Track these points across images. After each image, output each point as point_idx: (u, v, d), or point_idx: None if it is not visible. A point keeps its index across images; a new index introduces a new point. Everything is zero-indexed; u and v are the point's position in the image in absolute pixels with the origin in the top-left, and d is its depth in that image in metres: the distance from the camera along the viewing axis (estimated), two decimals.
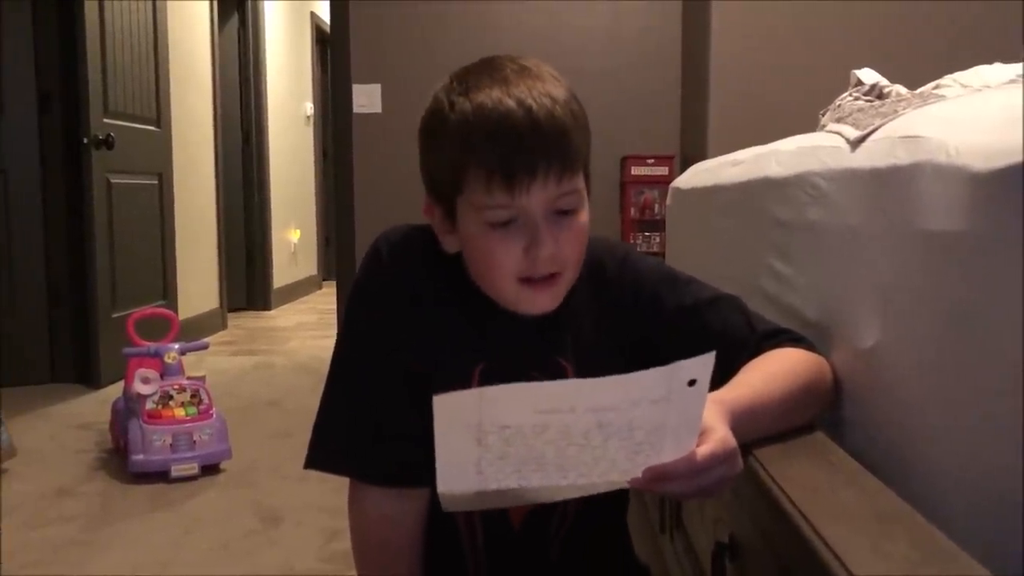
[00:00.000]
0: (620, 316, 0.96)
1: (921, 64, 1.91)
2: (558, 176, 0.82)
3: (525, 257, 0.84)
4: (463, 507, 0.74)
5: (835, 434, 0.88)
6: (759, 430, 0.81)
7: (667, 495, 0.71)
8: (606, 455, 0.67)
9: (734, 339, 0.92)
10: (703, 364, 0.63)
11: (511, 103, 0.81)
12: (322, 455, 0.93)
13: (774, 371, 0.86)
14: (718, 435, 0.70)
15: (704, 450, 0.68)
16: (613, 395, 0.63)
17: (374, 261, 0.92)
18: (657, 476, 0.68)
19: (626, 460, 0.67)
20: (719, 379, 0.74)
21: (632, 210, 3.80)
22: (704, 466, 0.68)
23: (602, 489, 0.71)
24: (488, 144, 0.81)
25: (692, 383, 0.64)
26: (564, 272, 0.87)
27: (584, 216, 0.87)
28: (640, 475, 0.68)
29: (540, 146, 0.81)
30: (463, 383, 0.87)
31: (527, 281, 0.85)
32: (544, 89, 0.83)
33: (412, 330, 0.91)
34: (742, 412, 0.76)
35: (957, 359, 0.67)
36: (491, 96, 0.82)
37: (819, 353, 0.91)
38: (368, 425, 0.91)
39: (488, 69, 0.85)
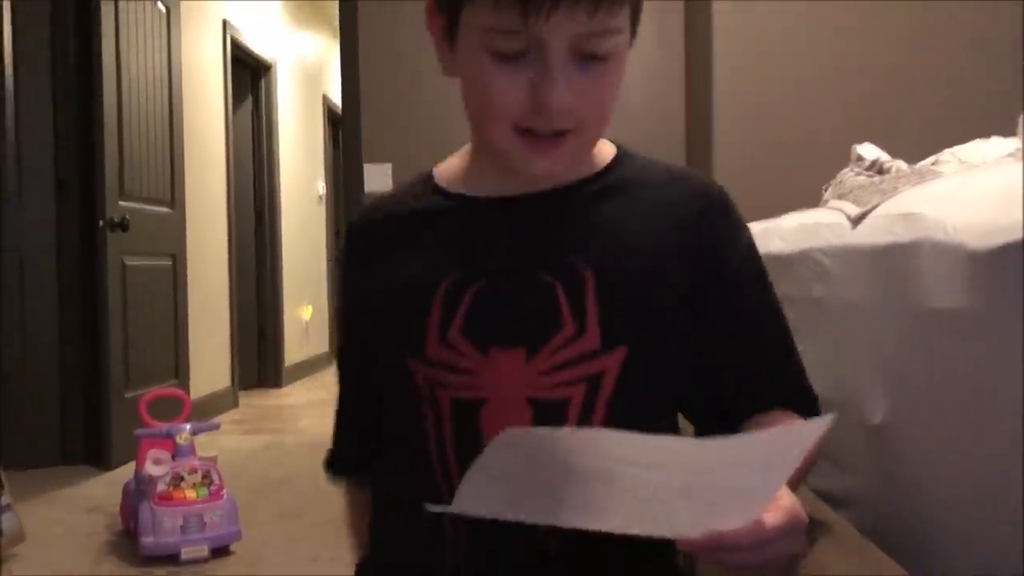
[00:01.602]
0: (679, 254, 0.75)
1: (922, 134, 1.94)
2: (593, 6, 0.63)
3: (530, 101, 0.66)
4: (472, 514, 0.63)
5: (843, 507, 0.87)
6: None
7: (719, 563, 0.57)
8: (666, 509, 0.56)
9: (765, 379, 0.78)
10: (818, 430, 0.54)
11: None
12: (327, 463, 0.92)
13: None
14: (785, 503, 0.58)
15: (773, 520, 0.56)
16: (706, 460, 0.54)
17: (340, 251, 0.88)
18: (716, 544, 0.55)
19: (688, 520, 0.56)
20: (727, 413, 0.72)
21: None
22: (771, 538, 0.56)
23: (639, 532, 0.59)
24: None
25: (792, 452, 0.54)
26: (578, 131, 0.69)
27: (620, 64, 0.68)
28: (694, 534, 0.55)
29: None
30: (426, 297, 0.74)
31: (527, 133, 0.68)
32: None
33: (379, 293, 0.80)
34: None
35: (961, 435, 0.67)
36: None
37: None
38: (347, 415, 0.89)
39: None
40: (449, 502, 0.63)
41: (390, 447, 0.81)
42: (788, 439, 0.55)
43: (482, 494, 0.59)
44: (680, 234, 0.75)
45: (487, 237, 0.76)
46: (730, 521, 0.56)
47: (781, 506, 0.57)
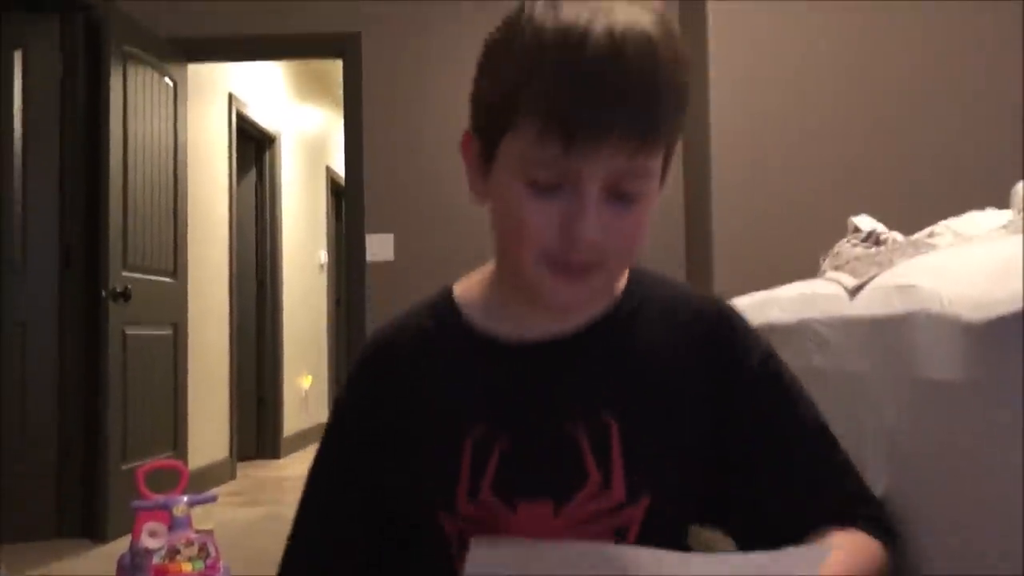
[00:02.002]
0: (697, 380, 0.75)
1: (917, 204, 1.97)
2: (634, 146, 0.64)
3: (561, 234, 0.66)
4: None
5: None
6: None
7: None
8: None
9: (815, 493, 0.75)
10: (817, 558, 0.54)
11: (600, 34, 0.62)
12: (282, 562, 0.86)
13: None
14: None
15: None
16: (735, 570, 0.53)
17: (350, 382, 0.85)
18: None
19: None
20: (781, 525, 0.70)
21: None
22: None
23: None
24: (556, 76, 0.63)
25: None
26: (604, 264, 0.69)
27: (649, 207, 0.69)
28: None
29: (623, 100, 0.63)
30: (453, 454, 0.74)
31: (555, 264, 0.68)
32: (646, 28, 0.64)
33: (399, 442, 0.78)
34: None
35: (961, 505, 0.67)
36: (581, 16, 0.63)
37: (890, 538, 0.74)
38: (326, 555, 0.83)
39: None
40: None
41: None
42: (789, 561, 0.53)
43: None
44: (697, 358, 0.76)
45: (512, 387, 0.76)
46: None
47: None
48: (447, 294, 0.83)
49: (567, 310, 0.74)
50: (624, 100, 0.63)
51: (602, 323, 0.77)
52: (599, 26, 0.62)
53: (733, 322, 0.79)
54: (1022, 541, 0.60)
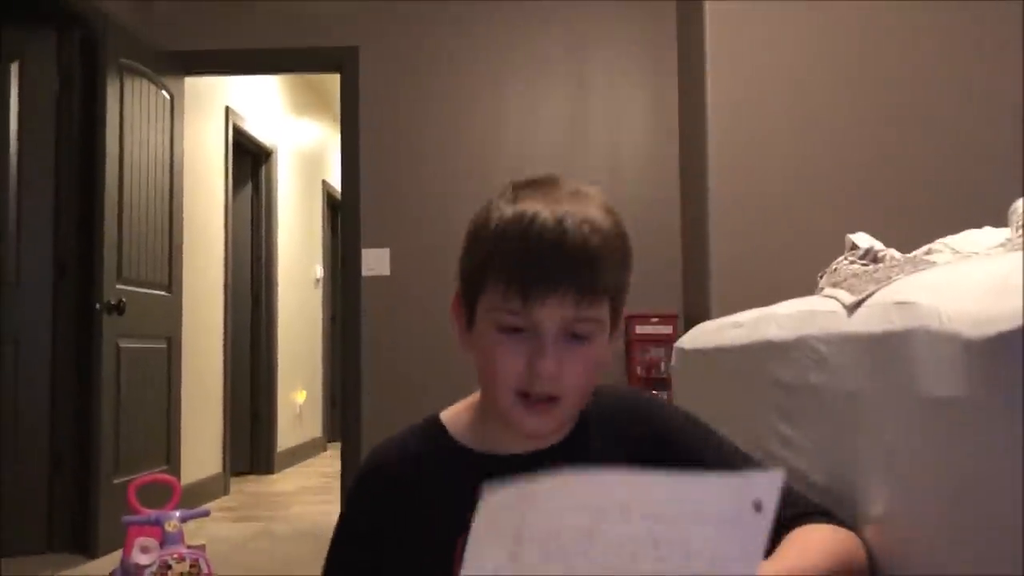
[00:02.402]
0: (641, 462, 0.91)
1: (916, 221, 1.97)
2: (576, 299, 0.82)
3: (527, 369, 0.83)
4: None
5: None
6: None
7: None
8: None
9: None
10: (771, 483, 0.58)
11: (547, 217, 0.82)
12: None
13: (808, 546, 0.83)
14: None
15: None
16: (673, 497, 0.58)
17: (352, 499, 0.97)
18: None
19: None
20: None
21: (639, 368, 3.81)
22: None
23: None
24: (513, 251, 0.83)
25: (757, 507, 0.58)
26: (563, 399, 0.85)
27: (599, 348, 0.86)
28: None
29: (563, 265, 0.81)
30: (445, 555, 0.86)
31: (525, 397, 0.85)
32: (588, 214, 0.84)
33: (399, 547, 0.92)
34: None
35: (962, 523, 0.66)
36: (533, 207, 0.84)
37: (851, 528, 0.88)
38: None
39: (545, 184, 0.88)
40: None
41: None
42: (747, 488, 0.57)
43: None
44: (638, 449, 0.92)
45: None
46: None
47: None
48: (435, 419, 0.99)
49: (536, 437, 0.89)
50: (566, 266, 0.81)
51: (565, 442, 0.93)
52: (546, 212, 0.82)
53: (652, 407, 0.99)
54: (1022, 557, 0.59)
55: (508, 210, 0.85)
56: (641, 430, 0.95)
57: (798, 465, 1.08)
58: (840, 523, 0.88)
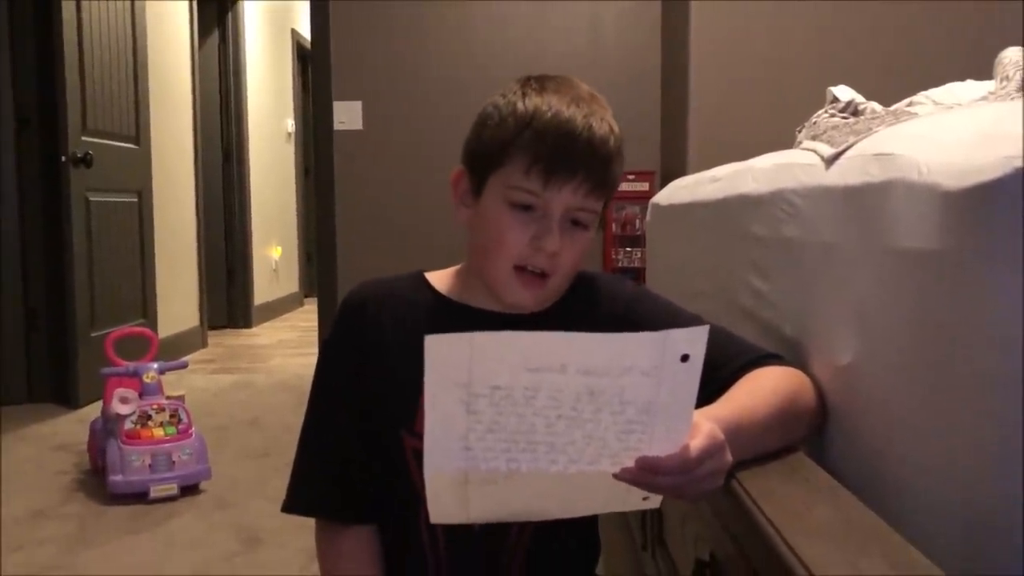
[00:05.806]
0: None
1: (897, 78, 1.93)
2: (588, 190, 0.91)
3: (529, 245, 0.91)
4: (451, 519, 0.72)
5: (814, 451, 0.88)
6: (745, 446, 0.79)
7: (657, 490, 0.70)
8: (596, 432, 0.66)
9: (716, 361, 0.89)
10: (696, 337, 0.63)
11: (575, 112, 0.91)
12: (299, 500, 1.02)
13: (756, 387, 0.86)
14: (706, 428, 0.70)
15: (696, 444, 0.68)
16: (604, 353, 0.63)
17: (337, 321, 1.01)
18: (649, 468, 0.67)
19: (616, 441, 0.66)
20: (702, 401, 0.74)
21: (613, 225, 3.81)
22: (697, 460, 0.68)
23: (592, 508, 0.72)
24: (546, 135, 0.90)
25: (685, 359, 0.63)
26: (555, 275, 0.93)
27: (590, 236, 0.95)
28: (630, 463, 0.67)
29: (586, 159, 0.90)
30: (415, 381, 0.87)
31: (521, 270, 0.92)
32: (607, 118, 0.94)
33: (375, 371, 0.97)
34: (727, 426, 0.75)
35: (931, 376, 0.67)
36: (563, 101, 0.92)
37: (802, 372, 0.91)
38: (337, 469, 0.99)
39: (565, 82, 0.96)
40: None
41: (375, 510, 0.99)
42: (672, 343, 0.63)
43: (446, 446, 0.67)
44: (612, 322, 0.94)
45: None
46: (655, 445, 0.67)
47: (703, 432, 0.70)
48: (418, 274, 1.04)
49: (524, 308, 0.96)
50: (588, 160, 0.90)
51: (549, 310, 0.99)
52: (575, 108, 0.91)
53: (627, 290, 1.05)
54: (993, 407, 0.60)
55: (538, 98, 0.92)
56: (612, 309, 1.02)
57: (769, 317, 1.09)
58: (789, 365, 0.93)
